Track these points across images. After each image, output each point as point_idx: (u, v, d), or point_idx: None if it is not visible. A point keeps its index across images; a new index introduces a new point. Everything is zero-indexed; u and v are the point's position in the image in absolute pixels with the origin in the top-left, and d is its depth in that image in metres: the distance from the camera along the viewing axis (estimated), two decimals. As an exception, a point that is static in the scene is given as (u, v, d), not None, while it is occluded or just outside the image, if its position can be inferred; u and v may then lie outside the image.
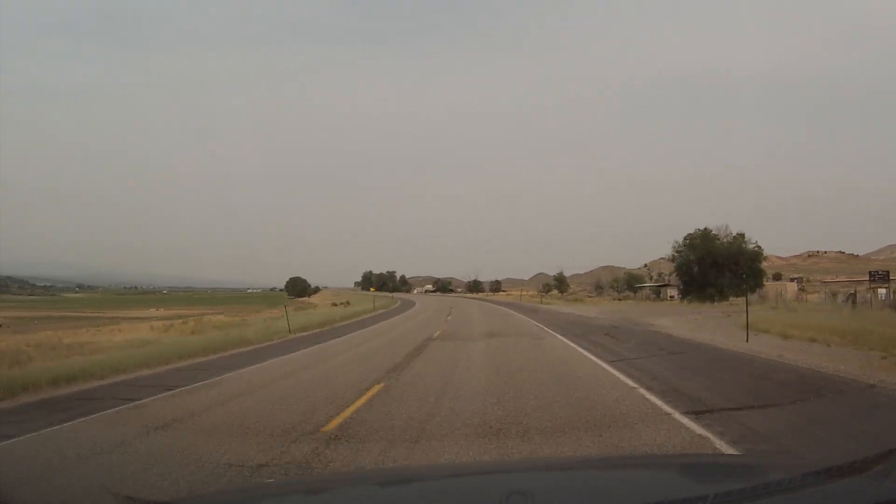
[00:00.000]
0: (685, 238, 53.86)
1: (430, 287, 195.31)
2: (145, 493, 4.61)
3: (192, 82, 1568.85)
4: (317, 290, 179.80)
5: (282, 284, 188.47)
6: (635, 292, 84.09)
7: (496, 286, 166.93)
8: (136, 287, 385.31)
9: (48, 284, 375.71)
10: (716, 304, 43.86)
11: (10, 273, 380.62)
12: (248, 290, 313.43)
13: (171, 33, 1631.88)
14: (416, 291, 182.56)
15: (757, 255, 51.38)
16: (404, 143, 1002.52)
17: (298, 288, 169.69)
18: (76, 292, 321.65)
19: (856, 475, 2.13)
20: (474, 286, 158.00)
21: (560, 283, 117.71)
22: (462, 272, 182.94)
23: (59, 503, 4.80)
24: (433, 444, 6.04)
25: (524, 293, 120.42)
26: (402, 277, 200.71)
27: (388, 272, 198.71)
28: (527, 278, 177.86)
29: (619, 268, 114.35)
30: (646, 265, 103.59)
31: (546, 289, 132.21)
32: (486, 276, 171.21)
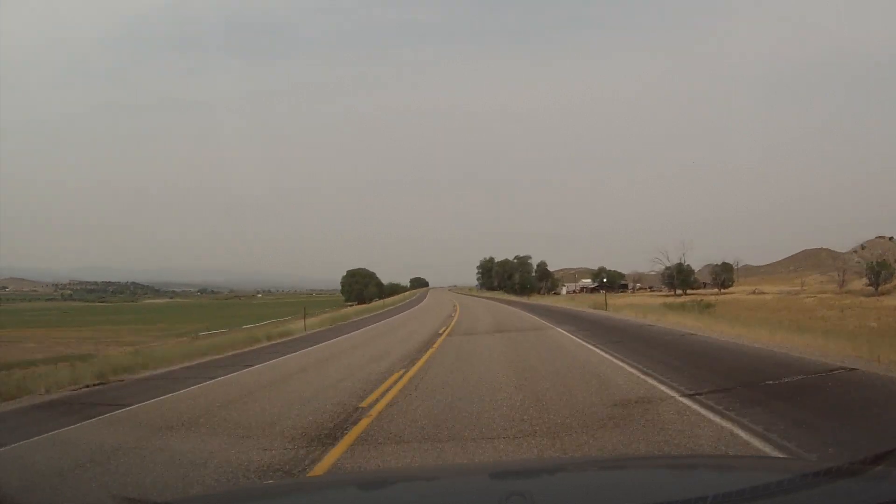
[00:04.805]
0: None
1: (588, 282, 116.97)
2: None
3: (326, 90, 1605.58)
4: (393, 290, 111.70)
5: (405, 282, 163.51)
6: None
7: (722, 276, 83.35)
8: (269, 291, 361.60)
9: (184, 290, 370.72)
10: None
11: (139, 279, 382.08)
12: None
13: (305, 44, 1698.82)
14: (564, 291, 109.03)
15: None
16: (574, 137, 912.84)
17: (358, 288, 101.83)
18: (197, 296, 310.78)
19: (856, 475, 2.11)
20: (678, 276, 75.54)
21: None
22: (642, 261, 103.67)
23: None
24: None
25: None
26: (542, 266, 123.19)
27: (517, 258, 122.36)
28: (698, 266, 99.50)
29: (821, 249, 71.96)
30: (862, 245, 68.86)
31: (877, 273, 49.06)
32: (694, 262, 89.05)
